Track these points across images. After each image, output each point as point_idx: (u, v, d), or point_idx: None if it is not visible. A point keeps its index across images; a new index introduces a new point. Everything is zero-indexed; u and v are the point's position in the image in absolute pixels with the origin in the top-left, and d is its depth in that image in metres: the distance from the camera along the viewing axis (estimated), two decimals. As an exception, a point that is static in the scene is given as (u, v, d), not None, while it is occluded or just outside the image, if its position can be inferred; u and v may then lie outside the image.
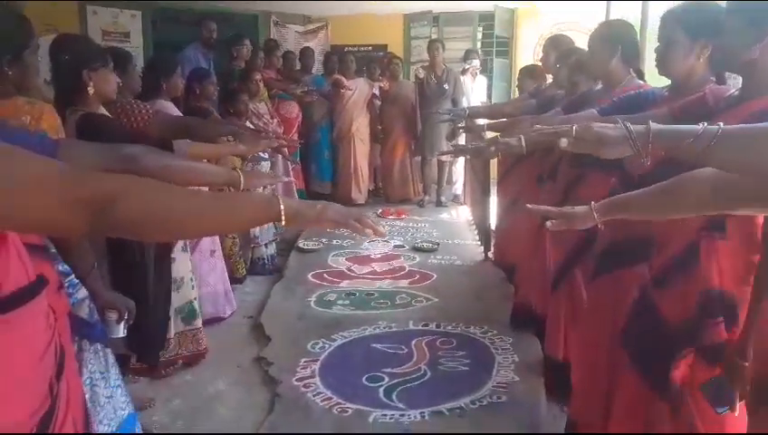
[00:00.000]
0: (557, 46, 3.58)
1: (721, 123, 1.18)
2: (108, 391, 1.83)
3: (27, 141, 1.34)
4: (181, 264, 3.00)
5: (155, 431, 2.51)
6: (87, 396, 1.65)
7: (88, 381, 1.73)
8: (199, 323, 3.13)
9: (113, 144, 1.65)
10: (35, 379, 1.05)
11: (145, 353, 2.81)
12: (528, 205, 1.70)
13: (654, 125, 1.23)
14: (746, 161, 1.17)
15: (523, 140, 2.21)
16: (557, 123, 2.11)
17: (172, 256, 2.92)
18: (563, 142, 1.30)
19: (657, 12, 2.13)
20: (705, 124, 1.19)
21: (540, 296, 3.17)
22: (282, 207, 1.09)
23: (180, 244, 3.00)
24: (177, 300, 2.99)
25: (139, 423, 1.94)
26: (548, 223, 1.62)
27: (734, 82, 1.86)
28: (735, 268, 1.61)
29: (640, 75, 2.46)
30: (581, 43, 3.53)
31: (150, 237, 2.07)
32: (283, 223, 1.11)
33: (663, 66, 1.95)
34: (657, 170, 1.50)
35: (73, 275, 1.77)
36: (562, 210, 1.65)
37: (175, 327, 3.00)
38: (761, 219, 1.55)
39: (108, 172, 1.04)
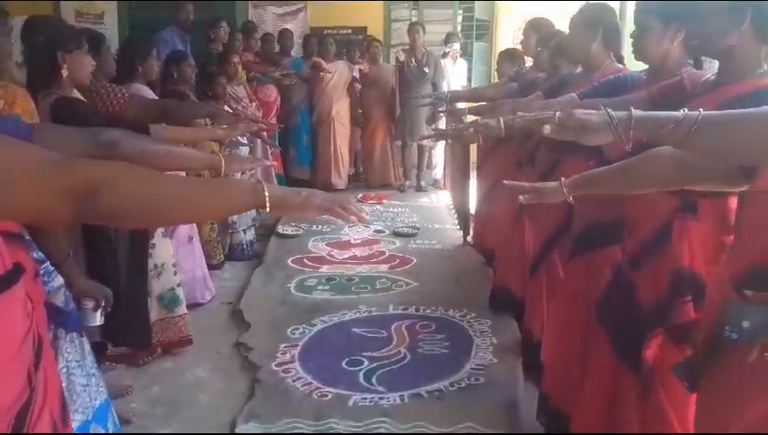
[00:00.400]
0: (538, 29, 3.58)
1: (701, 109, 1.20)
2: (84, 380, 1.82)
3: (2, 126, 1.31)
4: (162, 249, 2.97)
5: (133, 419, 2.49)
6: (64, 385, 1.64)
7: (64, 370, 1.72)
8: (183, 310, 3.10)
9: (90, 128, 1.62)
10: (14, 369, 1.04)
11: (124, 339, 2.78)
12: (504, 181, 1.75)
13: (636, 112, 1.25)
14: (726, 147, 1.21)
15: (501, 122, 2.21)
16: (537, 108, 2.12)
17: (152, 241, 2.89)
18: (546, 129, 1.32)
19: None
20: (686, 111, 1.21)
21: (518, 280, 3.21)
22: (266, 194, 1.09)
23: (161, 229, 2.97)
24: (157, 286, 2.97)
25: (113, 411, 1.93)
26: (521, 197, 1.68)
27: (710, 66, 1.89)
28: (706, 249, 1.66)
29: (620, 59, 2.48)
30: (561, 25, 3.54)
31: (135, 225, 2.04)
32: (268, 210, 1.10)
33: (638, 52, 2.00)
34: (634, 155, 1.52)
35: (48, 263, 1.75)
36: (534, 185, 1.73)
37: (156, 314, 2.97)
38: (733, 202, 1.58)
39: (90, 159, 1.02)
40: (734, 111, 1.24)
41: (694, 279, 1.64)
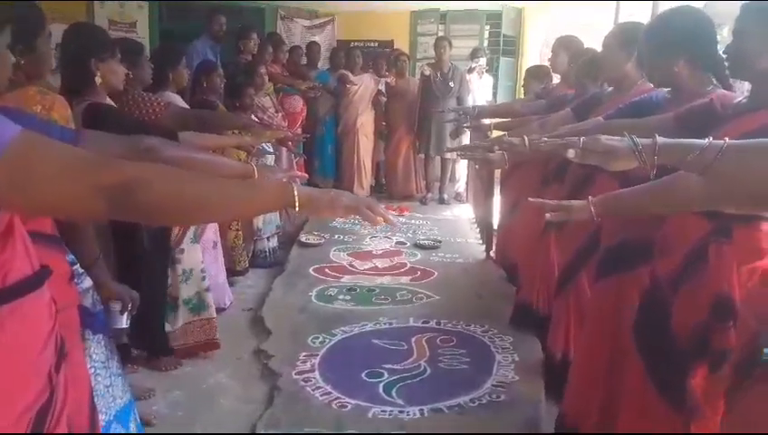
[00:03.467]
0: (567, 46, 3.58)
1: (726, 138, 1.20)
2: (108, 380, 1.85)
3: (48, 132, 1.35)
4: (191, 255, 3.01)
5: (154, 421, 2.51)
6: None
7: (91, 371, 1.74)
8: (210, 314, 3.13)
9: (131, 136, 1.67)
10: (35, 369, 1.06)
11: (144, 344, 2.82)
12: (530, 198, 1.74)
13: (660, 139, 1.26)
14: (751, 177, 1.20)
15: (526, 140, 2.21)
16: (564, 132, 2.12)
17: (181, 247, 2.93)
18: (571, 153, 1.33)
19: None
20: (711, 139, 1.21)
21: (542, 297, 3.18)
22: (295, 193, 1.10)
23: (190, 235, 3.01)
24: (185, 291, 3.02)
25: (136, 412, 1.95)
26: (547, 214, 1.66)
27: (741, 87, 1.88)
28: (740, 273, 1.61)
29: None
30: (589, 42, 3.53)
31: (170, 222, 2.08)
32: (297, 209, 1.11)
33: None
34: (666, 174, 1.51)
35: (78, 265, 1.78)
36: (561, 203, 1.73)
37: (183, 318, 3.01)
38: (767, 226, 1.55)
39: (126, 159, 1.05)
40: (760, 139, 1.24)
41: (734, 304, 1.61)
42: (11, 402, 0.99)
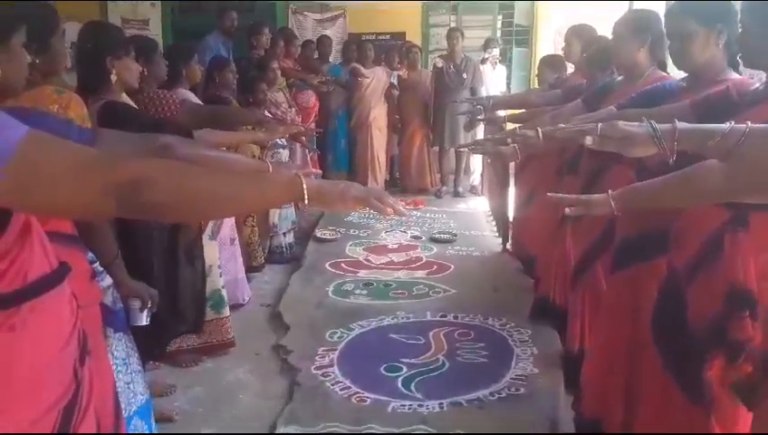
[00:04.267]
0: (580, 35, 3.53)
1: (749, 122, 1.18)
2: (128, 377, 1.88)
3: (66, 132, 1.36)
4: (208, 251, 3.01)
5: (176, 417, 2.53)
6: (111, 382, 1.68)
7: (113, 368, 1.76)
8: (227, 312, 3.13)
9: (147, 134, 1.67)
10: (61, 364, 1.07)
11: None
12: (548, 193, 1.71)
13: (680, 124, 1.23)
14: None
15: (539, 132, 2.19)
16: (578, 121, 2.09)
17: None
18: (588, 140, 1.31)
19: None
20: (732, 123, 1.18)
21: (560, 289, 3.16)
22: (304, 186, 1.09)
23: (207, 232, 3.01)
24: (206, 288, 3.00)
25: (152, 409, 1.97)
26: (567, 209, 1.63)
27: (757, 73, 1.84)
28: (758, 263, 1.59)
29: (662, 66, 2.42)
30: (603, 31, 3.48)
31: (179, 218, 2.09)
32: (306, 202, 1.10)
33: (680, 60, 1.95)
34: (682, 164, 1.48)
35: (97, 264, 1.79)
36: (580, 197, 1.68)
37: (206, 316, 3.00)
38: None
39: (133, 155, 1.05)
40: None
41: (750, 294, 1.58)
42: (37, 397, 1.01)
